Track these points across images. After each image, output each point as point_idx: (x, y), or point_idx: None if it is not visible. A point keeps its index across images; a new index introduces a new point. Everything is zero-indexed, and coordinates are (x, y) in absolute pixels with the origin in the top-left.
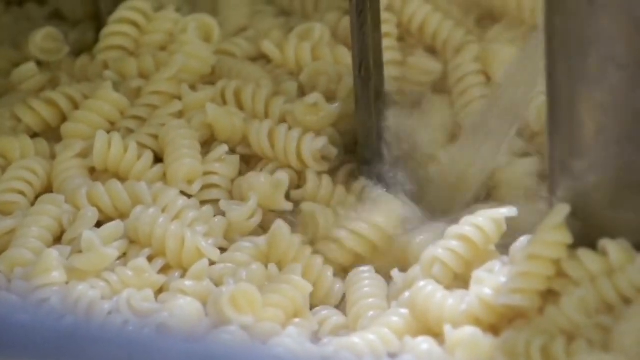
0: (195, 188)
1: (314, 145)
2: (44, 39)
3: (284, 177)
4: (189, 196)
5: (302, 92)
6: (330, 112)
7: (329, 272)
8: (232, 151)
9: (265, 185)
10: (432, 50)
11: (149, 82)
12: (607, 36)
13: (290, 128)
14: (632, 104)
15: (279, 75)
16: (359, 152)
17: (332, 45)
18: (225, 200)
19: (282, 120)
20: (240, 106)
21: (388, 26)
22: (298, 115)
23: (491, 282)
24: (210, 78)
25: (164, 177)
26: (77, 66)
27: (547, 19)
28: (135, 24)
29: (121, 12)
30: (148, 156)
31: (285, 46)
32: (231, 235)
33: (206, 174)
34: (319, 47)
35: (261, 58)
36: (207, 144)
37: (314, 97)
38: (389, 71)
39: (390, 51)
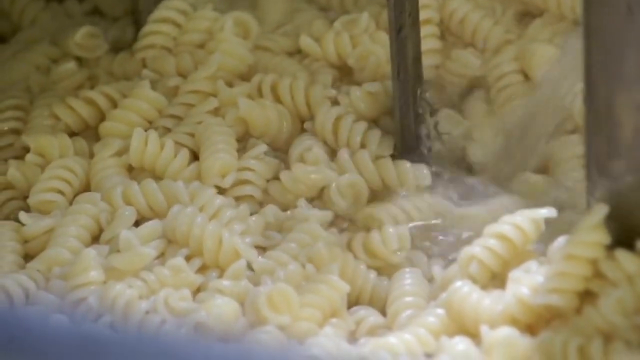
0: (227, 181)
1: (373, 147)
2: (83, 37)
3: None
4: (224, 192)
5: (349, 75)
6: (384, 104)
7: (372, 274)
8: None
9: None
10: (471, 48)
11: (186, 80)
12: None
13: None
14: None
15: (315, 68)
16: (398, 146)
17: (372, 32)
18: None
19: (335, 102)
20: (277, 100)
21: (429, 12)
22: (354, 99)
23: (529, 281)
24: (247, 76)
25: (200, 176)
26: (116, 63)
27: (585, 20)
28: (174, 23)
29: (161, 11)
30: (184, 154)
31: (325, 38)
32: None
33: (241, 169)
34: (359, 37)
35: (298, 52)
36: (244, 139)
37: (375, 85)
38: (428, 61)
39: (430, 39)
